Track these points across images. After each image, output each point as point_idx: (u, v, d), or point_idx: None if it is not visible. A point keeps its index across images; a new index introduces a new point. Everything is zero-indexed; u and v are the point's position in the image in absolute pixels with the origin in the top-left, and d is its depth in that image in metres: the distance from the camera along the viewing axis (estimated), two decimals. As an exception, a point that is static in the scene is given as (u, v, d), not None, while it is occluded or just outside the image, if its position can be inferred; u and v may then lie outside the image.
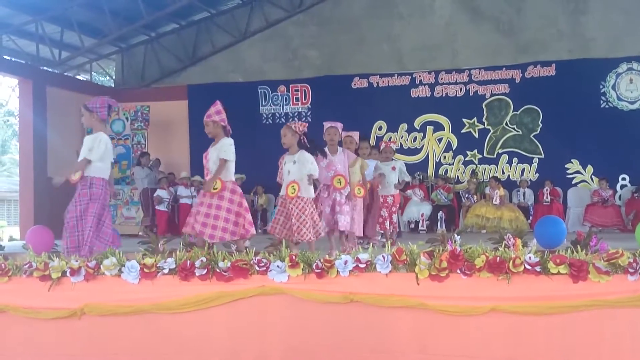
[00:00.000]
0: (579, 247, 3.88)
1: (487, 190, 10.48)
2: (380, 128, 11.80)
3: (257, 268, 4.02)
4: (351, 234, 5.59)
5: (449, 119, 11.57)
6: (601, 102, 10.95)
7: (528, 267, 3.71)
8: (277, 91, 12.33)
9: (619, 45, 11.01)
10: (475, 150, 11.47)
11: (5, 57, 11.38)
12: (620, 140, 10.70)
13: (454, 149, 11.57)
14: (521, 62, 11.29)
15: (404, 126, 11.74)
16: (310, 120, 11.53)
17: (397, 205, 6.95)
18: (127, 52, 13.42)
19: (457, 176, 11.53)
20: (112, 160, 5.16)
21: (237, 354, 4.08)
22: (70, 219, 4.86)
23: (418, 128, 11.70)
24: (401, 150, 11.34)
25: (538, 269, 3.71)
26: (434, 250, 3.89)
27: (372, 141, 10.62)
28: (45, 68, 12.03)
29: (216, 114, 4.98)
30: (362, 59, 12.11)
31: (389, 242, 4.99)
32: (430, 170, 11.62)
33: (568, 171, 11.08)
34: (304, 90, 12.23)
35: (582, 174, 11.03)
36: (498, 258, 3.75)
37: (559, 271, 3.69)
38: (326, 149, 5.42)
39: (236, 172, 5.01)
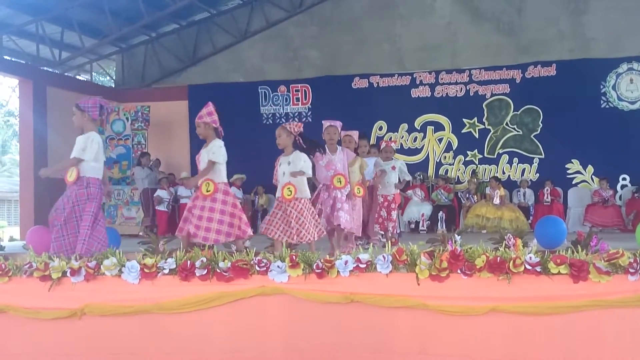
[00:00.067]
0: (579, 247, 3.87)
1: (488, 191, 10.48)
2: (380, 128, 11.80)
3: (258, 268, 4.01)
4: (350, 234, 5.59)
5: (449, 119, 11.57)
6: (601, 102, 10.95)
7: (528, 267, 3.70)
8: (278, 91, 12.33)
9: (620, 45, 11.01)
10: (476, 151, 11.47)
11: (5, 57, 11.38)
12: (620, 141, 10.72)
13: (454, 149, 11.57)
14: (522, 62, 11.29)
15: (404, 126, 11.74)
16: (310, 120, 11.56)
17: (397, 205, 6.95)
18: (127, 52, 13.43)
19: (458, 176, 11.53)
20: (104, 160, 5.13)
21: (237, 354, 4.07)
22: (57, 218, 4.82)
23: (418, 128, 11.70)
24: (401, 150, 11.34)
25: (538, 269, 3.70)
26: (434, 250, 3.89)
27: (373, 141, 10.63)
28: (45, 68, 12.04)
29: (208, 115, 4.93)
30: (362, 59, 12.11)
31: (390, 242, 4.98)
32: (431, 171, 11.62)
33: (568, 171, 11.08)
34: (305, 91, 12.22)
35: (582, 174, 11.03)
36: (498, 258, 3.74)
37: (559, 271, 3.68)
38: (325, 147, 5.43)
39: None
